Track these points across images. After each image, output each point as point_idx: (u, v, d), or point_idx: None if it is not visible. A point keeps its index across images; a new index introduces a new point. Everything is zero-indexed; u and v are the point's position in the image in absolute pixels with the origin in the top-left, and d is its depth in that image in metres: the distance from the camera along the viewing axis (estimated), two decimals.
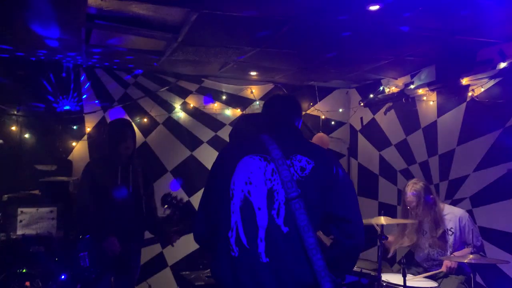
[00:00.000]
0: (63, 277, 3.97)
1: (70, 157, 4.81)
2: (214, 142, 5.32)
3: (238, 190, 1.84)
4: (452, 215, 3.61)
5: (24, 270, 3.97)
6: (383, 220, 3.36)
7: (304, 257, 1.71)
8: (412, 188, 3.67)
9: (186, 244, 5.20)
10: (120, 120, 3.62)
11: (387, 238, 3.38)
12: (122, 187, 3.29)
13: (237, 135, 2.09)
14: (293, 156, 1.85)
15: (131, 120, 3.45)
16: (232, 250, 1.79)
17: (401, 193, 3.88)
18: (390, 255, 3.87)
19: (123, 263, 3.25)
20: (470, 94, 4.05)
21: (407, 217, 3.72)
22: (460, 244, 3.59)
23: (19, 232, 4.09)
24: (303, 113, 5.74)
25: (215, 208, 1.91)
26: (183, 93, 5.28)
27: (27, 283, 3.93)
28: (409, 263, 3.78)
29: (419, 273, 3.64)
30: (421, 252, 3.73)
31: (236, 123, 2.21)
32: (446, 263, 3.49)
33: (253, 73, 5.06)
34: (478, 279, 3.82)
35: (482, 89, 3.93)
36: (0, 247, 4.03)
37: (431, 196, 3.66)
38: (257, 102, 5.52)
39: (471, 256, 3.08)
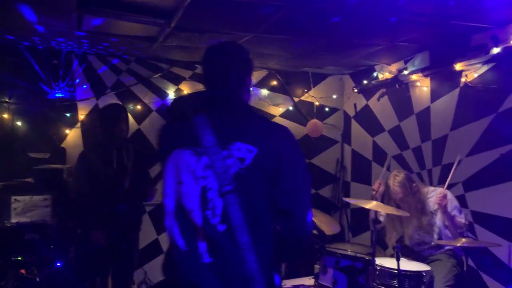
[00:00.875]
0: (58, 264, 3.98)
1: (63, 145, 4.78)
2: None
3: (170, 190, 1.64)
4: (435, 195, 3.64)
5: (19, 258, 3.97)
6: (374, 205, 3.39)
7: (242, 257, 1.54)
8: (395, 180, 3.65)
9: None
10: (112, 104, 3.64)
11: (381, 222, 3.42)
12: (117, 171, 3.30)
13: (173, 114, 1.78)
14: (231, 145, 1.56)
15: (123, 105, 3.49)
16: (172, 252, 1.65)
17: (385, 190, 3.87)
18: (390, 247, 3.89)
19: (120, 251, 3.27)
20: (463, 79, 4.07)
21: (399, 208, 3.74)
22: (442, 224, 3.61)
23: (14, 220, 4.08)
24: (296, 99, 5.74)
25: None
26: (177, 80, 5.25)
27: (23, 271, 3.94)
28: (403, 247, 3.82)
29: (412, 258, 3.68)
30: (411, 237, 3.76)
31: (175, 99, 1.96)
32: (438, 197, 3.49)
33: None
34: (470, 262, 3.87)
35: (475, 75, 3.94)
36: None
37: (414, 184, 3.67)
38: (251, 89, 5.49)
39: (463, 239, 3.13)
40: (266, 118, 1.72)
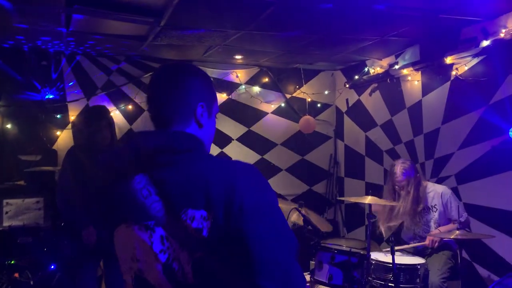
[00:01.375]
0: (52, 267, 3.95)
1: (54, 147, 4.74)
2: None
3: (125, 267, 1.34)
4: (435, 192, 3.68)
5: (12, 262, 3.94)
6: (370, 200, 3.40)
7: None
8: (402, 167, 3.70)
9: None
10: (94, 109, 3.55)
11: (375, 217, 3.43)
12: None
13: (109, 176, 1.34)
14: (182, 214, 1.20)
15: (107, 108, 3.40)
16: None
17: (387, 173, 3.92)
18: (378, 232, 3.93)
19: (108, 249, 3.25)
20: (454, 72, 4.08)
21: (393, 197, 3.78)
22: (445, 220, 3.67)
23: (6, 223, 4.04)
24: (288, 96, 5.74)
25: None
26: None
27: (16, 275, 3.90)
28: (397, 241, 3.84)
29: (407, 251, 3.70)
30: (407, 231, 3.79)
31: (107, 156, 1.39)
32: (429, 238, 3.56)
33: (238, 57, 5.02)
34: (464, 254, 3.90)
35: (466, 68, 3.96)
36: None
37: (418, 174, 3.72)
38: (243, 86, 5.49)
39: (457, 232, 3.15)
40: (224, 165, 1.26)
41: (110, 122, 3.34)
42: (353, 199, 3.93)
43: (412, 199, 3.66)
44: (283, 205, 3.56)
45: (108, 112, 3.43)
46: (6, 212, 4.05)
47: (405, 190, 3.67)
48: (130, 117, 5.04)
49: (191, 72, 1.38)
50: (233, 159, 5.54)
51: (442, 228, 3.59)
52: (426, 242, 3.57)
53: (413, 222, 3.71)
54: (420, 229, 3.70)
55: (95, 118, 3.31)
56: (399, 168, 3.71)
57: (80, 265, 3.20)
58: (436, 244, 3.52)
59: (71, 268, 3.25)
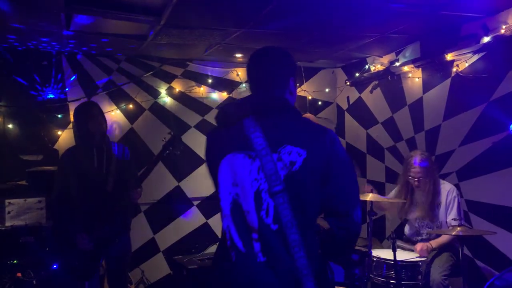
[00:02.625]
0: (54, 266, 3.96)
1: (56, 146, 4.74)
2: (202, 126, 5.30)
3: (225, 193, 1.71)
4: (443, 189, 3.65)
5: (15, 261, 3.95)
6: (371, 197, 3.40)
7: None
8: (421, 159, 3.61)
9: (178, 229, 5.22)
10: (84, 103, 3.69)
11: (376, 214, 3.42)
12: (98, 169, 3.27)
13: (222, 120, 1.79)
14: (281, 148, 1.62)
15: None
16: (229, 256, 1.69)
17: (403, 164, 3.82)
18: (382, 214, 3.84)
19: (110, 253, 3.25)
20: (454, 69, 4.08)
21: (407, 191, 3.73)
22: (444, 219, 3.62)
23: (8, 223, 4.05)
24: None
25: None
26: (168, 78, 5.22)
27: (19, 274, 3.91)
28: (399, 239, 3.83)
29: (409, 249, 3.70)
30: (412, 224, 3.76)
31: (223, 105, 1.92)
32: (420, 245, 3.52)
33: (238, 55, 5.01)
34: (466, 251, 3.90)
35: (467, 64, 3.96)
36: None
37: (434, 167, 3.67)
38: (244, 85, 5.49)
39: (458, 228, 3.15)
40: (310, 121, 1.77)
41: (102, 112, 3.40)
42: None
43: (430, 192, 3.59)
44: None
45: (97, 105, 3.48)
46: (8, 212, 4.06)
47: (423, 182, 3.60)
48: (131, 117, 5.05)
49: (286, 53, 1.83)
50: None
51: (433, 242, 3.56)
52: (417, 248, 3.54)
53: (428, 216, 3.64)
54: (424, 224, 3.66)
55: (86, 108, 3.39)
56: (418, 158, 3.62)
57: (86, 274, 3.20)
58: (425, 252, 3.48)
59: (79, 277, 3.25)
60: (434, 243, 3.53)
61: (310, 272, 1.57)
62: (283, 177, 1.60)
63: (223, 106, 1.80)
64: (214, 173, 1.76)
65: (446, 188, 3.66)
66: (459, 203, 3.59)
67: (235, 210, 1.68)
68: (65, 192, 3.24)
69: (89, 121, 3.27)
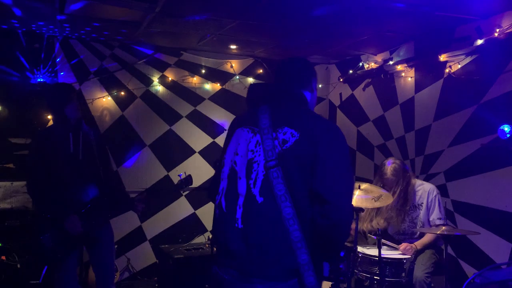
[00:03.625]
0: (39, 251, 3.94)
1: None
2: (193, 117, 5.29)
3: (228, 160, 1.92)
4: (423, 190, 3.68)
5: (0, 244, 3.92)
6: (358, 194, 3.41)
7: (280, 227, 1.70)
8: (392, 167, 3.67)
9: (166, 218, 5.22)
10: (60, 83, 3.50)
11: (363, 210, 3.45)
12: (74, 155, 3.10)
13: (248, 104, 2.07)
14: (280, 128, 1.81)
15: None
16: (215, 213, 1.91)
17: (377, 171, 3.91)
18: (362, 231, 3.92)
19: (91, 238, 3.15)
20: (447, 70, 4.11)
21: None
22: (427, 219, 3.66)
23: None
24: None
25: (218, 172, 2.03)
26: (162, 66, 5.19)
27: (3, 257, 3.89)
28: (383, 236, 3.86)
29: (392, 247, 3.73)
30: (393, 226, 3.81)
31: (248, 92, 2.16)
32: (403, 246, 3.54)
33: (233, 47, 5.00)
34: (449, 250, 3.95)
35: (459, 66, 3.99)
36: None
37: (408, 174, 3.71)
38: (237, 77, 5.48)
39: (443, 227, 3.19)
40: (318, 116, 1.89)
41: (78, 95, 3.31)
42: None
43: (398, 198, 3.64)
44: None
45: (74, 87, 3.32)
46: None
47: (392, 190, 3.66)
48: (122, 103, 5.01)
49: (307, 61, 2.10)
50: None
51: (418, 244, 3.60)
52: (401, 247, 3.57)
53: (399, 219, 3.71)
54: (405, 225, 3.73)
55: (63, 90, 3.19)
56: (389, 168, 3.68)
57: (61, 259, 3.05)
58: (409, 252, 3.52)
59: (52, 262, 3.11)
60: (419, 244, 3.56)
61: (304, 245, 1.68)
62: (276, 154, 1.76)
63: (251, 89, 2.07)
64: (226, 144, 1.99)
65: (426, 188, 3.68)
66: (439, 202, 3.62)
67: (231, 175, 1.87)
68: (38, 178, 3.05)
69: (66, 104, 3.09)
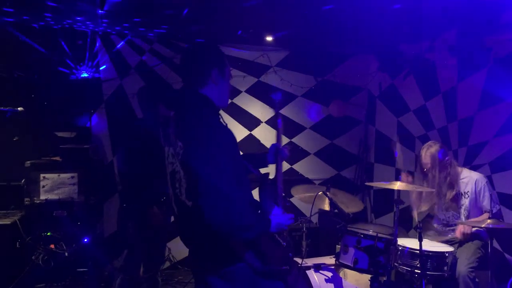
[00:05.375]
0: (85, 240, 4.11)
1: (88, 124, 4.87)
2: (231, 109, 5.32)
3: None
4: (470, 178, 3.58)
5: (48, 233, 4.12)
6: (399, 185, 3.35)
7: None
8: (427, 150, 3.65)
9: None
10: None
11: (403, 202, 3.38)
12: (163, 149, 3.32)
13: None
14: (178, 142, 1.95)
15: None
16: None
17: (418, 158, 3.85)
18: (416, 224, 3.85)
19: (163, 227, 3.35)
20: (492, 57, 3.93)
21: (425, 178, 3.70)
22: (476, 209, 3.55)
23: (42, 197, 4.21)
24: (319, 80, 5.67)
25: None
26: None
27: (52, 246, 4.09)
28: (426, 229, 3.77)
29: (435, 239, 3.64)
30: (438, 217, 3.72)
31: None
32: (460, 229, 3.48)
33: (269, 39, 4.98)
34: (495, 244, 3.81)
35: (506, 52, 3.81)
36: (25, 211, 4.17)
37: (447, 158, 3.63)
38: (273, 69, 5.46)
39: (488, 221, 3.07)
40: (197, 110, 1.94)
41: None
42: (381, 185, 3.88)
43: (439, 182, 3.58)
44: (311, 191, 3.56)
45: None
46: (43, 186, 4.22)
47: (431, 173, 3.61)
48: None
49: (201, 51, 2.05)
50: (261, 141, 5.48)
51: (474, 219, 3.50)
52: (457, 234, 3.50)
53: (443, 206, 3.62)
54: (450, 214, 3.63)
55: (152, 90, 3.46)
56: (424, 150, 3.67)
57: (139, 246, 3.27)
58: (468, 235, 3.44)
59: (132, 247, 3.34)
60: (473, 220, 3.49)
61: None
62: (181, 165, 2.00)
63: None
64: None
65: (473, 177, 3.58)
66: (490, 190, 3.52)
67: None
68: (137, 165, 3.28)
69: (160, 103, 3.34)
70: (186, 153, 1.88)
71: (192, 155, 1.85)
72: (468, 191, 3.56)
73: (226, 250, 1.89)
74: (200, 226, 1.84)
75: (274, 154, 2.45)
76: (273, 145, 2.48)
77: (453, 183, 3.59)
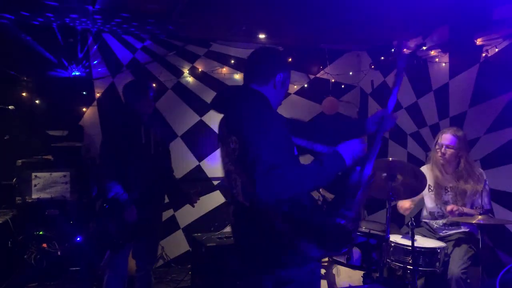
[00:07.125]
0: (78, 239, 4.09)
1: (80, 123, 4.84)
2: None
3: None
4: (480, 173, 3.53)
5: (41, 232, 4.10)
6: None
7: None
8: (453, 134, 3.49)
9: (198, 207, 5.26)
10: (136, 80, 3.77)
11: (395, 199, 3.39)
12: (146, 146, 3.24)
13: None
14: (230, 138, 1.92)
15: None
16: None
17: (434, 144, 3.65)
18: (408, 220, 3.82)
19: (146, 228, 3.28)
20: (483, 54, 3.96)
21: (440, 171, 3.60)
22: (470, 203, 3.54)
23: (34, 196, 4.19)
24: (312, 76, 5.69)
25: None
26: (191, 58, 5.24)
27: (44, 245, 4.07)
28: (417, 225, 3.77)
29: (427, 235, 3.65)
30: (430, 210, 3.67)
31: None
32: (452, 207, 3.41)
33: (261, 36, 4.98)
34: (487, 240, 3.85)
35: (496, 50, 3.84)
36: (17, 210, 4.15)
37: (468, 148, 3.56)
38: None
39: (479, 217, 3.10)
40: (252, 102, 1.95)
41: (151, 92, 3.38)
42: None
43: (466, 173, 3.48)
44: None
45: (149, 83, 3.56)
46: (35, 185, 4.19)
47: (453, 162, 3.50)
48: (154, 96, 5.08)
49: (271, 54, 2.11)
50: None
51: (466, 209, 3.47)
52: (448, 209, 3.44)
53: (459, 198, 3.53)
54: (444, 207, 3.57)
55: (142, 85, 3.40)
56: (448, 135, 3.51)
57: (121, 245, 3.21)
58: (456, 213, 3.37)
59: (114, 247, 3.27)
60: (466, 210, 3.44)
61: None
62: (235, 161, 2.00)
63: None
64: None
65: (482, 172, 3.54)
66: (487, 192, 3.49)
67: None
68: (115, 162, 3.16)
69: (141, 99, 3.25)
70: (242, 142, 1.81)
71: (248, 140, 1.77)
72: (480, 189, 3.47)
73: (285, 252, 1.85)
74: (259, 228, 1.87)
75: (377, 122, 2.15)
76: (380, 111, 2.19)
77: (470, 174, 3.49)
